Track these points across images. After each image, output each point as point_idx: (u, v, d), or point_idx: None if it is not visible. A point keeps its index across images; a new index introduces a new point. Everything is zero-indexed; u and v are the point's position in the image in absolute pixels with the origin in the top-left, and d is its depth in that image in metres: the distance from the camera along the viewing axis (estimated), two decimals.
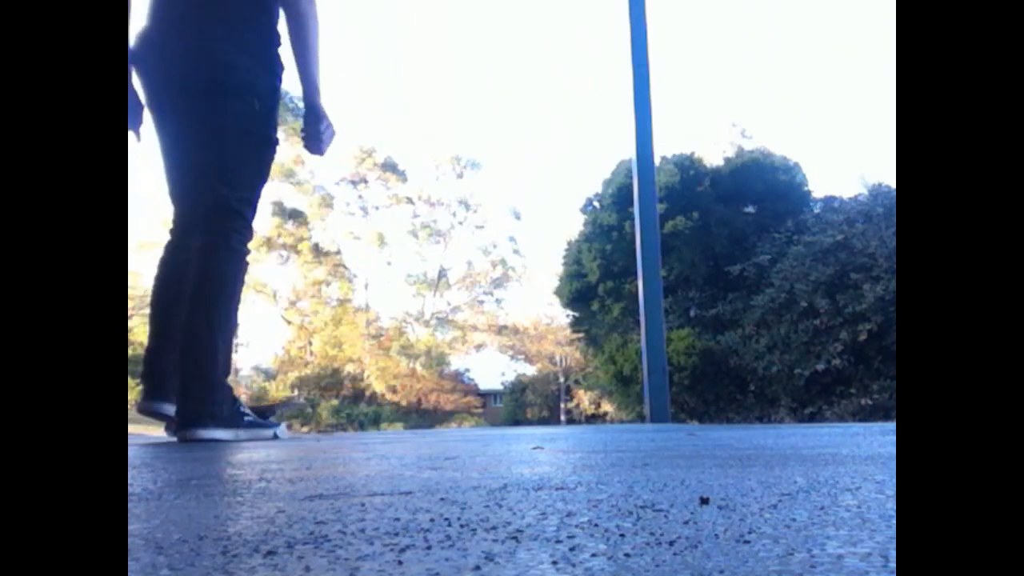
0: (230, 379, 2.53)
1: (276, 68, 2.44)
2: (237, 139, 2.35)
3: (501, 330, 36.21)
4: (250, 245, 2.44)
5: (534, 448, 2.01)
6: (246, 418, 2.46)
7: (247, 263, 2.41)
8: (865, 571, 0.61)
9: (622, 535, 0.77)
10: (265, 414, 2.98)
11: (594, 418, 24.42)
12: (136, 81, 2.47)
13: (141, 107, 2.47)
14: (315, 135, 2.47)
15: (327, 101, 2.53)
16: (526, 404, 31.15)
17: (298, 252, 32.12)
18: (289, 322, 33.09)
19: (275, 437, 2.57)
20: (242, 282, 2.41)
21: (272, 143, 2.46)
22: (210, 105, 2.32)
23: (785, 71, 54.09)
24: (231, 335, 2.37)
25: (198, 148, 2.35)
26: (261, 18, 2.41)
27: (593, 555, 0.69)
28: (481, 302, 37.06)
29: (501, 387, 34.71)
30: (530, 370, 33.91)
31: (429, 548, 0.73)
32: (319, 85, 2.39)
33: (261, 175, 2.46)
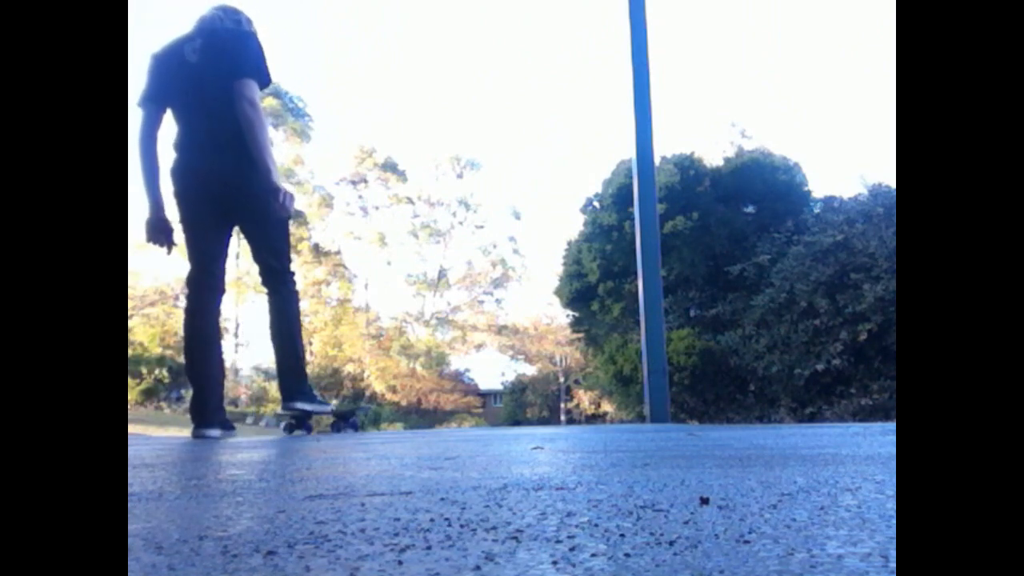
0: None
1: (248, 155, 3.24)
2: (275, 225, 3.33)
3: (501, 330, 36.18)
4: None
5: (534, 448, 2.01)
6: (317, 396, 3.49)
7: (297, 293, 3.47)
8: (865, 571, 0.61)
9: (622, 535, 0.77)
10: (346, 416, 3.99)
11: (594, 418, 24.41)
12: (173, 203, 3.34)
13: (172, 229, 3.29)
14: (281, 208, 3.23)
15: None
16: (526, 404, 31.11)
17: (298, 252, 32.12)
18: None
19: (331, 413, 3.73)
20: (298, 309, 3.48)
21: (290, 216, 3.38)
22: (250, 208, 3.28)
23: (785, 71, 54.02)
24: (303, 344, 3.48)
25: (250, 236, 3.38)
26: (232, 124, 3.17)
27: (593, 555, 0.69)
28: (481, 302, 37.06)
29: (501, 387, 34.68)
30: (530, 370, 33.87)
31: (429, 548, 0.73)
32: (270, 166, 3.17)
33: (289, 241, 3.47)
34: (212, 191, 3.22)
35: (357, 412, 4.18)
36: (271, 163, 3.19)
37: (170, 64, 3.30)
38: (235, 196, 3.23)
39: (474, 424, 29.93)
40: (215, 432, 3.12)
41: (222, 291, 3.32)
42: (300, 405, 3.33)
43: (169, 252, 3.33)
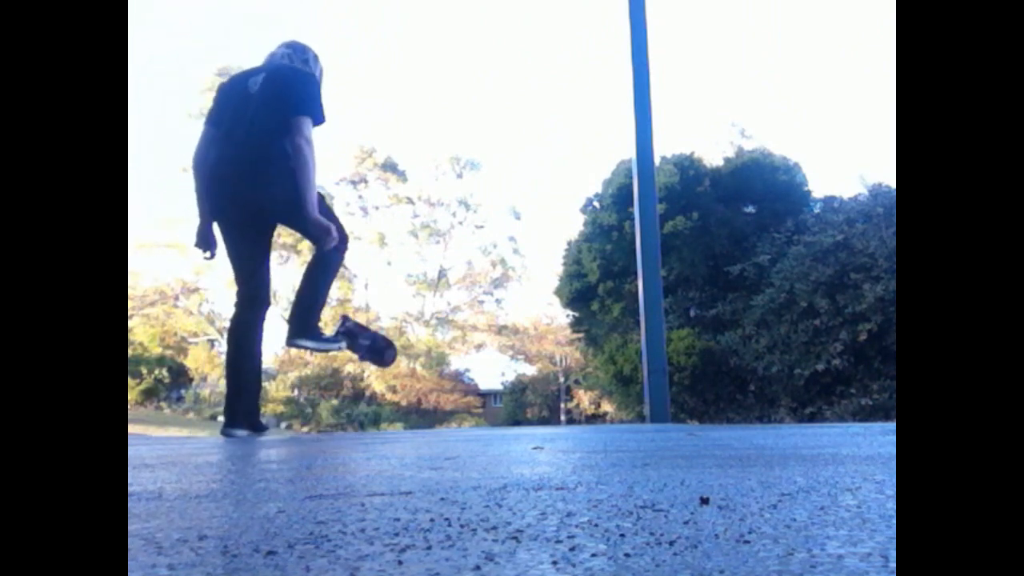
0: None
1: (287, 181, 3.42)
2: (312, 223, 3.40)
3: (501, 330, 36.13)
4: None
5: (534, 448, 2.01)
6: (324, 336, 3.66)
7: (343, 254, 3.61)
8: (865, 571, 0.61)
9: (622, 535, 0.77)
10: (355, 335, 3.97)
11: (594, 418, 24.41)
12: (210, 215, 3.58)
13: (215, 241, 3.53)
14: (330, 242, 3.41)
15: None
16: (526, 404, 31.09)
17: (298, 252, 32.06)
18: None
19: (339, 348, 3.78)
20: (338, 265, 3.67)
21: (330, 248, 3.50)
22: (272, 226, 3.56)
23: (785, 71, 53.99)
24: (326, 293, 3.70)
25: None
26: (282, 151, 3.33)
27: (593, 555, 0.69)
28: (481, 302, 37.00)
29: (501, 387, 34.64)
30: (530, 370, 33.83)
31: (429, 548, 0.73)
32: (315, 202, 3.34)
33: (332, 215, 3.52)
34: (247, 214, 3.41)
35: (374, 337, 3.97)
36: (315, 198, 3.39)
37: (232, 93, 3.57)
38: (270, 216, 3.44)
39: (474, 424, 29.93)
40: (242, 432, 3.26)
41: (266, 303, 3.52)
42: (302, 343, 3.50)
43: (211, 258, 3.57)
